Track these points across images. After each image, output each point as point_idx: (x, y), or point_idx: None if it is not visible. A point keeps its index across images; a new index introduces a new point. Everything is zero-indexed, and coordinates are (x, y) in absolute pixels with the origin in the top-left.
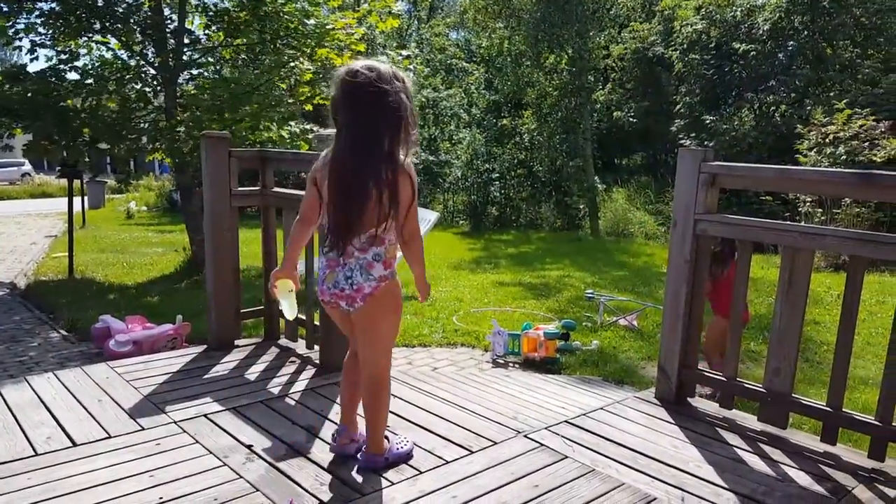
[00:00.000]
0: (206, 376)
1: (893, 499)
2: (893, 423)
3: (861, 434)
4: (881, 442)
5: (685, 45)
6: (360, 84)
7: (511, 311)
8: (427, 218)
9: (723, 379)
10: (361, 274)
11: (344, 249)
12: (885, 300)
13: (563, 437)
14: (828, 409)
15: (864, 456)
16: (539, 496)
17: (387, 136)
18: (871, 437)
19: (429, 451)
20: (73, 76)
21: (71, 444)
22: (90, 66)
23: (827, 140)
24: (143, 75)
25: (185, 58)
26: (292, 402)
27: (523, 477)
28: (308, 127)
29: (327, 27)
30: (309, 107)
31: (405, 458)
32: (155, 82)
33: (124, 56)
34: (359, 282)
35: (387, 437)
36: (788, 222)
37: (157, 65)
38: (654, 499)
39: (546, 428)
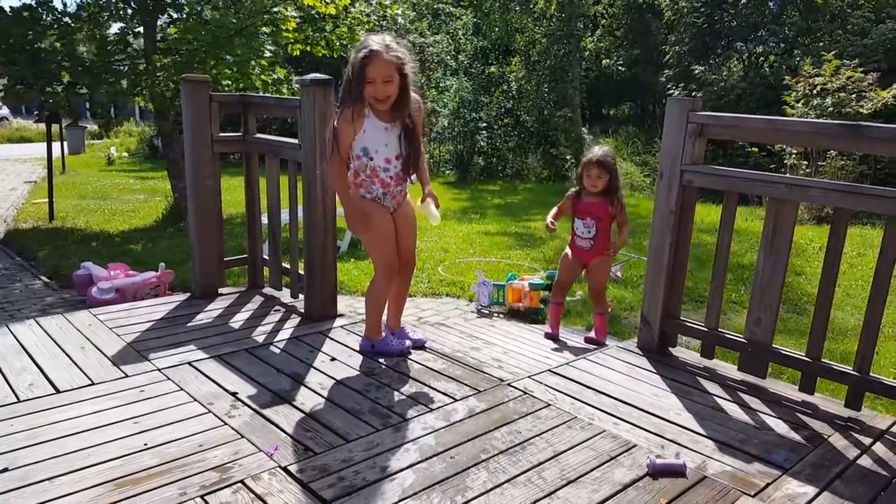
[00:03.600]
0: (189, 324)
1: (868, 446)
2: (870, 374)
3: (839, 384)
4: (858, 391)
5: None
6: None
7: (496, 262)
8: None
9: (704, 329)
10: None
11: None
12: (866, 252)
13: (546, 385)
14: (807, 359)
15: (840, 405)
16: (521, 443)
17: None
18: (848, 387)
19: (413, 399)
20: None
21: (54, 391)
22: (65, 4)
23: (814, 91)
24: (121, 14)
25: None
26: (277, 351)
27: (506, 424)
28: (290, 75)
29: None
30: (297, 51)
31: (392, 353)
32: (134, 21)
33: None
34: None
35: (393, 334)
36: (774, 174)
37: (135, 5)
38: (634, 445)
39: (529, 377)
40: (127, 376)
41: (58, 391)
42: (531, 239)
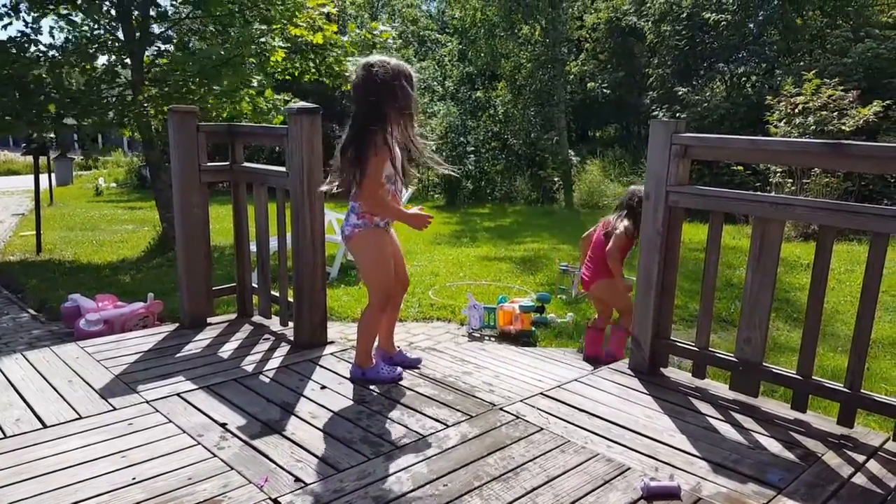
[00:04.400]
0: (178, 355)
1: (862, 464)
2: (862, 390)
3: (830, 401)
4: (850, 408)
5: (657, 16)
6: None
7: (486, 285)
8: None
9: (695, 349)
10: (346, 218)
11: (348, 198)
12: (854, 269)
13: (538, 409)
14: (798, 377)
15: (833, 422)
16: (515, 469)
17: (360, 113)
18: (840, 404)
19: (405, 426)
20: (35, 49)
21: (41, 426)
22: (54, 35)
23: (796, 110)
24: (107, 46)
25: (152, 29)
26: (266, 380)
27: (499, 450)
28: (284, 98)
29: (299, 1)
30: (286, 76)
31: (382, 380)
32: (122, 53)
33: (90, 24)
34: (344, 224)
35: (391, 357)
36: (760, 193)
37: (122, 37)
38: (629, 468)
39: (521, 400)
40: (115, 409)
41: (45, 426)
42: (522, 261)
